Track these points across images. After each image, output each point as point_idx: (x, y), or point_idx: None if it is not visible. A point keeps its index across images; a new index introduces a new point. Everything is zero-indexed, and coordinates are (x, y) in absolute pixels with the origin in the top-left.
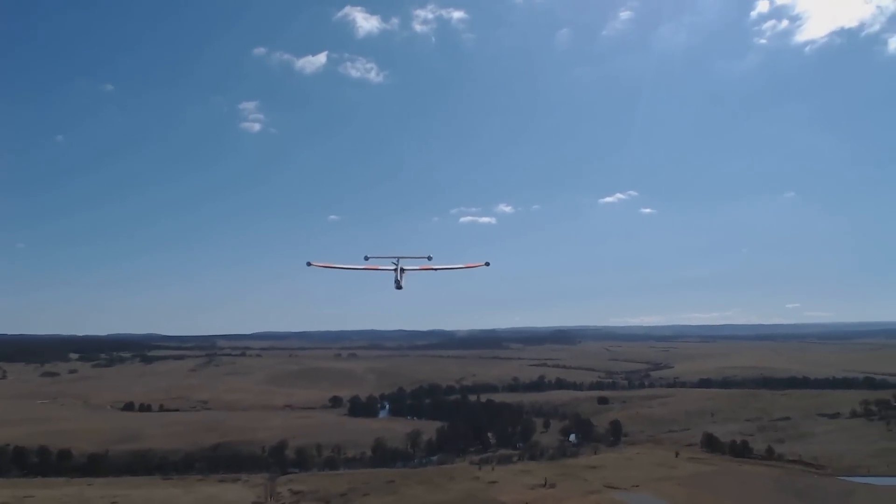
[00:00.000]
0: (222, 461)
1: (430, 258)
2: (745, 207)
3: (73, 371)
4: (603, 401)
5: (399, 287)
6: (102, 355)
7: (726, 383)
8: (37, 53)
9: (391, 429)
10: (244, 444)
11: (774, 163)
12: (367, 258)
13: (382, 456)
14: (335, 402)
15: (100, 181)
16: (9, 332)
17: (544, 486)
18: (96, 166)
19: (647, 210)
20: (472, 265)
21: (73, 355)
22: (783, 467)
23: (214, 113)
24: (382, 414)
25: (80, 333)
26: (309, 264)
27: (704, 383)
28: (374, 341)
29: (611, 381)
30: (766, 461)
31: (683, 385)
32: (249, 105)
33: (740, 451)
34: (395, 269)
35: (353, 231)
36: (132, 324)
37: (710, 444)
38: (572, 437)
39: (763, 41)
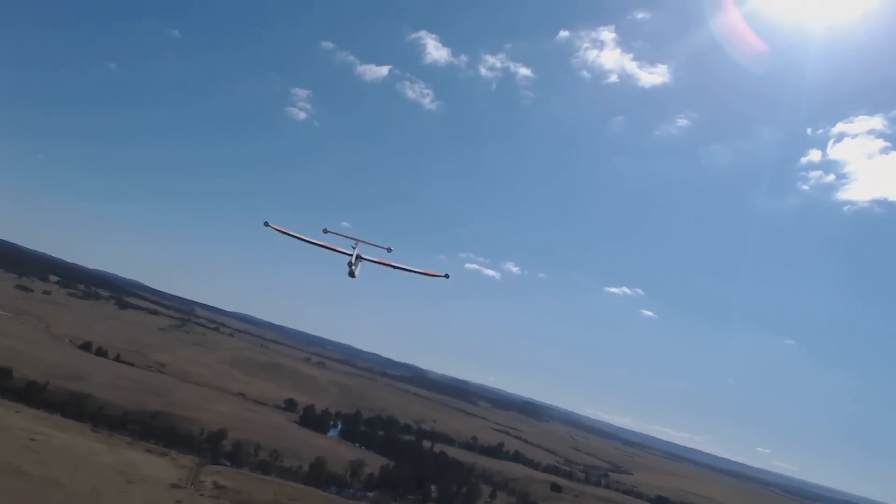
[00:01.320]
0: (157, 431)
1: (389, 250)
2: (744, 340)
3: (46, 292)
4: (556, 488)
5: (352, 275)
6: (81, 286)
7: None
8: None
9: (336, 450)
10: (185, 419)
11: (785, 305)
12: (325, 231)
13: (318, 476)
14: (290, 405)
15: (137, 120)
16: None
17: None
18: (138, 104)
19: (648, 312)
20: (432, 273)
21: (54, 277)
22: None
23: (266, 89)
24: (332, 432)
25: (68, 259)
26: (266, 224)
27: (661, 501)
28: (347, 356)
29: (568, 469)
30: None
31: (640, 496)
32: (302, 92)
33: None
34: (352, 255)
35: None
36: (120, 266)
37: None
38: None
39: (806, 188)
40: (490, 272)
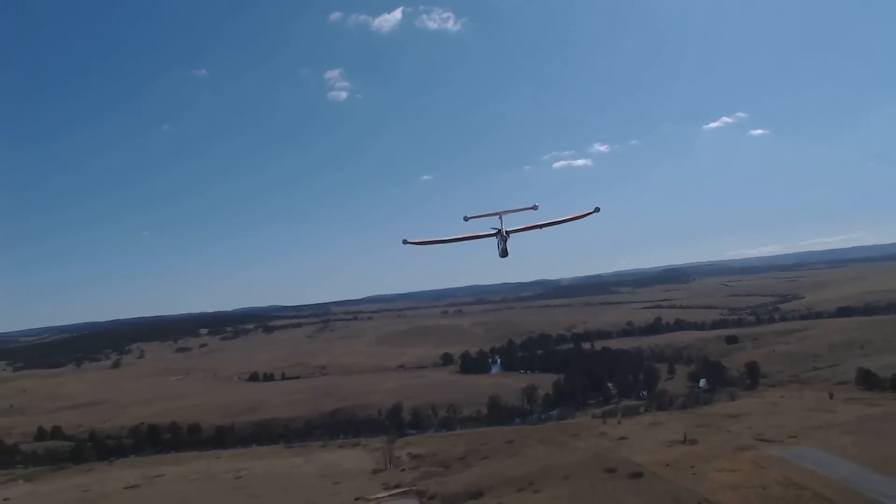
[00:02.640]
0: (341, 426)
1: (535, 207)
2: (869, 117)
3: (203, 345)
4: (731, 340)
5: (504, 254)
6: (229, 328)
7: (870, 310)
8: (134, 46)
9: (504, 384)
10: (361, 407)
11: None
12: (466, 219)
13: (499, 413)
14: (446, 359)
15: (207, 165)
16: (147, 315)
17: (684, 441)
18: (202, 150)
19: (758, 131)
20: (581, 215)
21: (203, 330)
22: None
23: (302, 86)
24: (494, 369)
25: (210, 310)
26: (405, 242)
27: (844, 312)
28: (478, 296)
29: (736, 317)
30: None
31: (819, 316)
32: (333, 73)
33: None
34: (498, 234)
35: (446, 189)
36: (255, 297)
37: (867, 380)
38: (702, 383)
39: None
40: (580, 162)
